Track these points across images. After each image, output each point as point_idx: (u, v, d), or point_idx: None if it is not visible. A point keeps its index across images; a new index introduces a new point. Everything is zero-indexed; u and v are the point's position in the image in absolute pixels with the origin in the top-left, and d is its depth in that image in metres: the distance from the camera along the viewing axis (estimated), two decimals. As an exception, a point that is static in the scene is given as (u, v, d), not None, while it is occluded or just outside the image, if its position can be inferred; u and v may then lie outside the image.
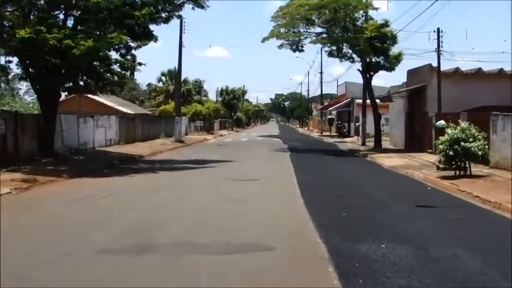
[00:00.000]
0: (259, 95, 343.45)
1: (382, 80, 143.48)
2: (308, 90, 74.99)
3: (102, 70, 16.15)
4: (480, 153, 11.50)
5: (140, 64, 16.85)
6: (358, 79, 28.13)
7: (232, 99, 63.71)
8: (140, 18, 14.63)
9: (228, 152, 23.03)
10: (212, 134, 47.59)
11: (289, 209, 8.06)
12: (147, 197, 9.34)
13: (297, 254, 5.40)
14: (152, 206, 8.34)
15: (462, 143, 11.43)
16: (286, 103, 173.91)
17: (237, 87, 67.00)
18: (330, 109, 47.21)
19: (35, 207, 8.40)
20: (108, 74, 16.55)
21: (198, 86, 57.27)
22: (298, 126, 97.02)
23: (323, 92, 58.17)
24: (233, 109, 66.65)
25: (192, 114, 45.55)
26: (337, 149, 26.31)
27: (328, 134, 46.12)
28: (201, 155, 20.55)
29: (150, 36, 16.11)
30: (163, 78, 56.53)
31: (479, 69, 21.17)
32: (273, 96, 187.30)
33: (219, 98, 65.28)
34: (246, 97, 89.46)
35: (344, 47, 24.03)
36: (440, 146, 11.90)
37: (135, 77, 54.23)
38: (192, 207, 8.19)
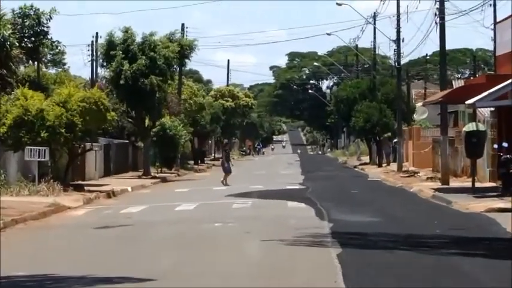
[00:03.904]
0: (235, 58, 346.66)
1: None
2: (398, 41, 70.26)
3: None
4: None
5: None
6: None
7: (145, 72, 60.81)
8: None
9: (134, 250, 23.60)
10: (81, 190, 46.79)
11: None
12: None
13: None
14: None
15: None
16: (325, 84, 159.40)
17: (162, 35, 64.66)
18: (469, 102, 44.57)
19: None
20: None
21: (35, 32, 57.20)
22: (365, 159, 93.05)
23: (447, 47, 55.36)
24: (149, 105, 65.39)
25: (12, 125, 44.37)
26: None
27: (469, 183, 45.41)
28: (46, 264, 20.82)
29: None
30: None
31: None
32: (283, 62, 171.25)
33: (103, 71, 66.40)
34: (191, 66, 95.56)
35: None
36: None
37: None
38: None
